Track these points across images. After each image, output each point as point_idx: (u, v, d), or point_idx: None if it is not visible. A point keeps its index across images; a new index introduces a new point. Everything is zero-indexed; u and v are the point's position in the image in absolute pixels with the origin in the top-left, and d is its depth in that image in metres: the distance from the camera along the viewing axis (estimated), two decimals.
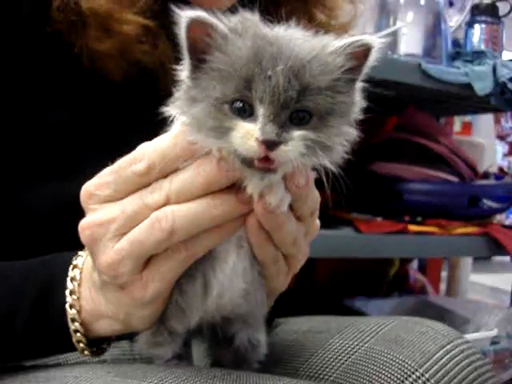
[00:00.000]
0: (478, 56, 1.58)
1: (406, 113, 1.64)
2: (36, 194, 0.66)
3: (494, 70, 1.49)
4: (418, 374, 0.60)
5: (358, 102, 0.49)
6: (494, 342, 1.54)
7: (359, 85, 0.49)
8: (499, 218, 1.88)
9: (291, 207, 0.50)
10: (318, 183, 0.50)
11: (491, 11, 1.69)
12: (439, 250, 1.56)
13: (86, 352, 0.57)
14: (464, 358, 0.63)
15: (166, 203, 0.48)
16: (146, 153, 0.48)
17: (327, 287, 1.76)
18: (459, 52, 1.63)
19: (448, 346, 0.63)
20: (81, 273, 0.56)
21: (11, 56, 0.64)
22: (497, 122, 3.49)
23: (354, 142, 0.49)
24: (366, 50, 0.47)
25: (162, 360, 0.57)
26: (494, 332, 1.51)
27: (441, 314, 1.62)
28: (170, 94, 0.48)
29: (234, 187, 0.48)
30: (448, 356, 0.62)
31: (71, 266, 0.57)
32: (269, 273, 0.54)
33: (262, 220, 0.49)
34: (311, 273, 1.74)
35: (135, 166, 0.48)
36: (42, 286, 0.57)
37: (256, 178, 0.46)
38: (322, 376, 0.65)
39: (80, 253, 0.58)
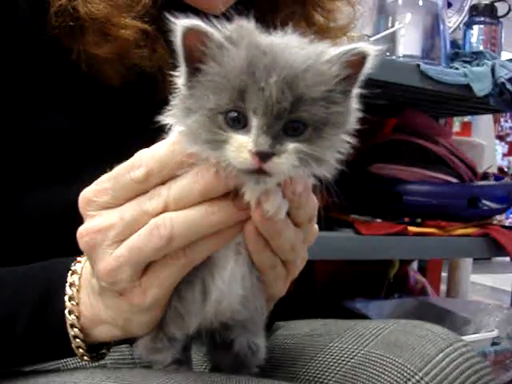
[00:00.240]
0: (476, 57, 1.58)
1: (405, 114, 1.63)
2: (36, 199, 0.66)
3: (493, 70, 1.49)
4: (417, 377, 0.60)
5: (354, 111, 0.48)
6: (495, 342, 1.54)
7: (355, 92, 0.48)
8: (499, 218, 1.88)
9: (289, 213, 0.50)
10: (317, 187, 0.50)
11: (490, 12, 1.69)
12: (439, 251, 1.56)
13: (85, 357, 0.57)
14: (464, 361, 0.63)
15: (165, 210, 0.48)
16: (144, 160, 0.48)
17: (327, 289, 1.76)
18: (458, 53, 1.63)
19: (447, 349, 0.63)
20: (80, 278, 0.56)
21: (8, 62, 0.64)
22: (496, 121, 3.49)
23: (353, 144, 0.49)
24: (361, 58, 0.46)
25: (161, 365, 0.57)
26: (495, 333, 1.51)
27: (441, 315, 1.63)
28: (168, 99, 0.48)
29: (232, 194, 0.48)
30: (447, 359, 0.62)
31: (70, 272, 0.57)
32: (267, 278, 0.54)
33: (260, 227, 0.49)
34: (311, 275, 1.74)
35: (133, 173, 0.48)
36: (41, 292, 0.57)
37: (252, 182, 0.46)
38: (321, 380, 0.65)
39: (79, 258, 0.58)
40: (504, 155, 4.70)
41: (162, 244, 0.48)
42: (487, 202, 1.58)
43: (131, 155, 0.50)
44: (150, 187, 0.49)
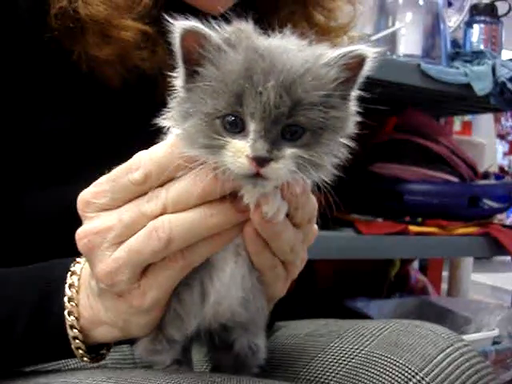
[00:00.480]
0: (477, 56, 1.58)
1: (406, 113, 1.64)
2: (35, 200, 0.66)
3: (494, 69, 1.49)
4: (418, 377, 0.60)
5: (353, 115, 0.48)
6: (496, 341, 1.54)
7: (354, 95, 0.48)
8: (499, 217, 1.88)
9: (288, 214, 0.50)
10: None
11: (490, 11, 1.69)
12: (440, 251, 1.56)
13: (85, 358, 0.57)
14: (464, 361, 0.63)
15: (163, 212, 0.48)
16: (142, 161, 0.48)
17: (328, 288, 1.76)
18: (458, 52, 1.63)
19: (448, 350, 0.63)
20: (79, 279, 0.56)
21: (9, 63, 0.64)
22: (497, 120, 3.48)
23: (352, 146, 0.49)
24: (360, 60, 0.46)
25: (161, 366, 0.57)
26: (496, 332, 1.51)
27: (442, 315, 1.63)
28: (168, 101, 0.48)
29: (231, 196, 0.48)
30: (448, 359, 0.62)
31: (69, 273, 0.57)
32: (267, 279, 0.54)
33: (259, 229, 0.49)
34: (312, 274, 1.74)
35: (132, 175, 0.48)
36: (40, 293, 0.57)
37: (250, 185, 0.46)
38: (322, 380, 0.65)
39: (78, 259, 0.58)
40: (505, 154, 4.69)
41: (161, 246, 0.48)
42: (488, 201, 1.58)
43: (131, 156, 0.50)
44: (148, 189, 0.49)
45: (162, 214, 0.48)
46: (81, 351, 0.56)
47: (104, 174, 0.50)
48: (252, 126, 0.44)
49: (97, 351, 0.59)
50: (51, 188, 0.65)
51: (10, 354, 0.58)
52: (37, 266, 0.60)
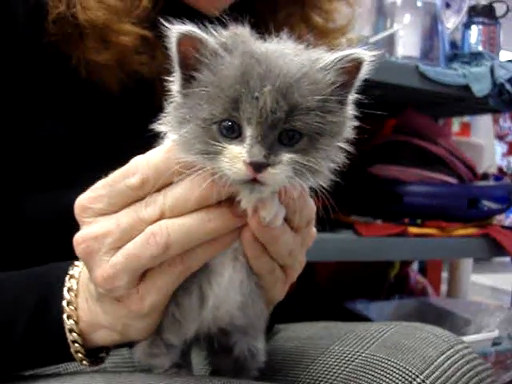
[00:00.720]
0: (475, 57, 1.58)
1: (405, 115, 1.63)
2: (34, 204, 0.66)
3: (492, 71, 1.48)
4: (419, 380, 0.60)
5: (350, 119, 0.48)
6: (496, 343, 1.54)
7: (351, 98, 0.48)
8: (499, 218, 1.87)
9: (286, 218, 0.50)
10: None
11: (488, 12, 1.69)
12: (439, 252, 1.56)
13: (84, 362, 0.57)
14: (465, 364, 0.63)
15: (161, 217, 0.48)
16: (139, 166, 0.48)
17: (328, 290, 1.76)
18: (457, 54, 1.63)
19: (449, 352, 0.63)
20: (77, 283, 0.56)
21: (8, 69, 0.64)
22: (495, 121, 3.48)
23: (352, 146, 0.48)
24: (357, 64, 0.46)
25: (159, 370, 0.57)
26: (496, 333, 1.51)
27: (442, 316, 1.62)
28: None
29: (228, 201, 0.48)
30: (449, 362, 0.62)
31: (68, 276, 0.57)
32: (266, 283, 0.54)
33: (257, 234, 0.49)
34: (312, 276, 1.74)
35: (129, 180, 0.48)
36: (39, 297, 0.57)
37: (247, 191, 0.46)
38: (322, 383, 0.65)
39: (76, 263, 0.58)
40: (503, 155, 4.69)
41: (159, 251, 0.48)
42: (487, 202, 1.58)
43: (129, 161, 0.49)
44: (145, 194, 0.49)
45: (159, 219, 0.48)
46: (80, 355, 0.56)
47: (104, 177, 0.50)
48: (249, 132, 0.43)
49: (96, 355, 0.58)
50: (50, 192, 0.65)
51: (9, 358, 0.58)
52: (35, 270, 0.60)
